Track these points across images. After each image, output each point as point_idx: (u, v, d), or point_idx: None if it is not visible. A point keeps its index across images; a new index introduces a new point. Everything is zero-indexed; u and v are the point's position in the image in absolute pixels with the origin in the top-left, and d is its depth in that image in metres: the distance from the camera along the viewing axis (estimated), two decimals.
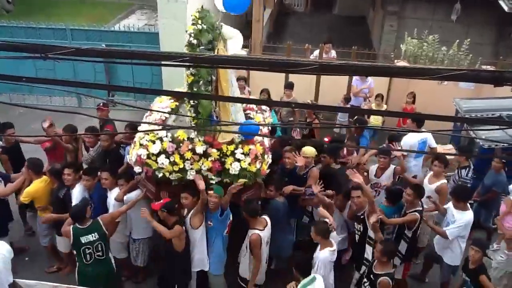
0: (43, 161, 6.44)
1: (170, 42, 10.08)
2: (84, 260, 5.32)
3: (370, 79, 9.35)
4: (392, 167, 6.49)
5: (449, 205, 5.86)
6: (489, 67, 9.51)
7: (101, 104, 7.34)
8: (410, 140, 7.05)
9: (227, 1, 5.25)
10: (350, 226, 6.03)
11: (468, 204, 5.77)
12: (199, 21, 5.01)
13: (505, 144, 6.96)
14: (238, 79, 8.60)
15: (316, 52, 10.14)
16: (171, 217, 5.28)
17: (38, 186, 6.04)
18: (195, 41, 4.96)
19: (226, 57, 2.01)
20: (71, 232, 5.23)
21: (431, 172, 6.45)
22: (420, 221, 5.61)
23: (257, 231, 5.25)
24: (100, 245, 5.33)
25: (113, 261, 5.59)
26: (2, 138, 6.74)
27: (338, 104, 9.04)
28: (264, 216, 5.44)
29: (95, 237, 5.27)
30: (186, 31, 5.07)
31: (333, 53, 10.19)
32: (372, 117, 8.75)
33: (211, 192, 5.25)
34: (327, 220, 5.19)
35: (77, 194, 5.81)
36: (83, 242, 5.24)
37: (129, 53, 1.92)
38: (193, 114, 5.22)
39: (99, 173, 5.96)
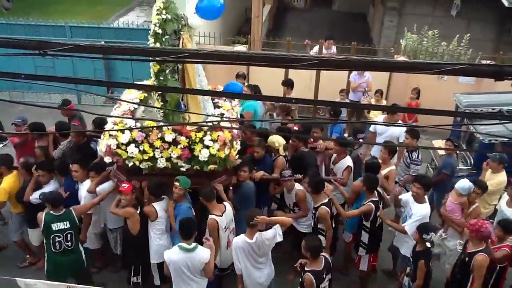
0: (13, 157, 6.49)
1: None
2: (53, 248, 5.38)
3: (367, 73, 9.36)
4: (347, 157, 6.49)
5: (407, 197, 5.92)
6: (489, 62, 9.49)
7: (63, 103, 7.51)
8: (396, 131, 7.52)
9: (200, 7, 5.29)
10: None
11: (425, 197, 5.85)
12: (164, 11, 5.07)
13: (505, 139, 6.98)
14: (237, 77, 8.62)
15: (316, 48, 10.13)
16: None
17: (10, 181, 6.10)
18: (160, 31, 5.04)
19: (225, 53, 2.00)
20: (43, 218, 5.31)
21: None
22: (376, 210, 5.71)
23: (214, 216, 5.32)
24: (70, 234, 5.41)
25: (83, 252, 5.68)
26: None
27: (338, 99, 9.05)
28: (224, 203, 5.53)
29: (66, 225, 5.35)
30: (151, 21, 5.15)
31: (333, 49, 10.18)
32: (371, 112, 8.74)
33: (176, 183, 5.35)
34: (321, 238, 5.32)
35: (51, 189, 5.89)
36: (53, 229, 5.31)
37: (128, 49, 1.92)
38: (161, 104, 5.34)
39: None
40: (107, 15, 17.35)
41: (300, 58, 1.85)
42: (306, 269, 4.86)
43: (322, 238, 5.57)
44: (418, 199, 5.71)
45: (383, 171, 6.30)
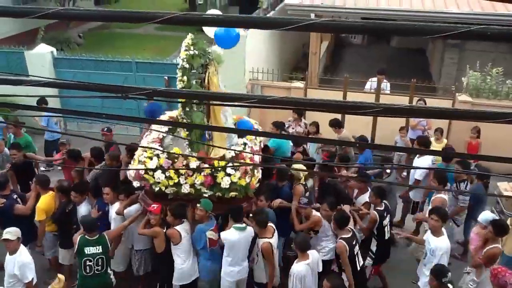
0: (49, 178, 6.88)
1: (229, 74, 10.37)
2: (84, 272, 5.65)
3: None
4: (367, 193, 6.59)
5: (427, 235, 5.84)
6: None
7: (105, 129, 8.22)
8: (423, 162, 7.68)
9: (217, 36, 5.65)
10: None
11: (443, 229, 5.76)
12: (191, 47, 5.48)
13: None
14: (295, 114, 8.79)
15: (369, 84, 10.14)
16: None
17: (46, 201, 6.46)
18: (187, 65, 5.46)
19: (288, 99, 2.07)
20: (78, 241, 5.62)
21: None
22: (381, 219, 6.11)
23: (267, 239, 5.66)
24: (101, 259, 5.68)
25: (112, 276, 5.92)
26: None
27: (396, 138, 8.90)
28: (271, 224, 5.80)
29: (98, 250, 5.64)
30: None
31: (387, 86, 10.11)
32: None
33: (198, 205, 5.69)
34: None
35: (83, 210, 6.33)
36: (86, 253, 5.60)
37: (207, 96, 2.02)
38: (186, 133, 5.79)
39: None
40: (170, 51, 18.15)
41: (366, 105, 1.88)
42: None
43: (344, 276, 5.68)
44: (435, 233, 5.65)
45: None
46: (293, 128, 8.93)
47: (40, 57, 11.28)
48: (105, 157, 7.21)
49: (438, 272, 5.04)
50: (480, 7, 10.44)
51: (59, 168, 8.47)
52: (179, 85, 5.64)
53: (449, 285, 5.01)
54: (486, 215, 5.97)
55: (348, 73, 11.09)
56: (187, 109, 5.60)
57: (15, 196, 6.63)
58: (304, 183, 6.62)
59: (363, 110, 1.87)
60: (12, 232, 5.47)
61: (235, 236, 5.64)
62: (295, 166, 6.72)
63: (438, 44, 15.60)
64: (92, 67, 11.14)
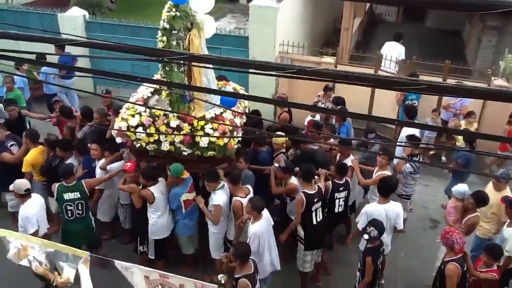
0: (39, 132, 7.20)
1: (259, 46, 10.29)
2: (66, 216, 6.06)
3: None
4: (349, 158, 6.86)
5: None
6: None
7: (104, 91, 8.64)
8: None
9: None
10: None
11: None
12: (173, 9, 5.50)
13: None
14: (326, 89, 8.66)
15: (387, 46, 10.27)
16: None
17: (34, 154, 6.85)
18: (167, 26, 5.52)
19: (327, 71, 2.01)
20: (56, 188, 6.01)
21: None
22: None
23: (238, 198, 5.80)
24: (81, 204, 6.06)
25: (93, 220, 6.35)
26: (7, 112, 7.92)
27: (429, 120, 8.74)
28: (247, 186, 5.99)
29: (76, 195, 6.01)
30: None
31: (402, 50, 10.52)
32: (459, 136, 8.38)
33: (168, 172, 5.98)
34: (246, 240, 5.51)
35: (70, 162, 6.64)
36: (65, 198, 5.99)
37: (245, 63, 1.98)
38: (167, 93, 5.86)
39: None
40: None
41: (409, 82, 1.81)
42: (236, 275, 4.96)
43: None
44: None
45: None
46: (322, 103, 8.83)
47: (72, 20, 11.34)
48: (94, 115, 7.52)
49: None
50: None
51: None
52: (159, 45, 5.69)
53: (365, 235, 5.40)
54: (459, 188, 6.12)
55: (380, 50, 10.83)
56: (167, 68, 5.65)
57: (9, 144, 7.15)
58: (284, 151, 6.94)
59: (407, 86, 1.81)
60: (15, 185, 5.84)
61: (223, 196, 5.93)
62: (278, 135, 6.91)
63: (476, 26, 15.08)
64: (123, 32, 11.15)
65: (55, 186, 6.07)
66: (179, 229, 6.33)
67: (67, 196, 6.00)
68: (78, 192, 6.03)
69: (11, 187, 5.92)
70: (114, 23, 11.39)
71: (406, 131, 7.56)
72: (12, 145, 7.19)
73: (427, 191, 8.57)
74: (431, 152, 9.13)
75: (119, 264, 4.37)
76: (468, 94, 1.81)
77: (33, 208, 5.82)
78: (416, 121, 8.17)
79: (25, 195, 5.82)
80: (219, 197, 5.91)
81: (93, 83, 11.71)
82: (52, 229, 6.94)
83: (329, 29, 16.49)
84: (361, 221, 5.90)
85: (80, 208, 6.07)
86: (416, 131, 7.39)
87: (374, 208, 5.83)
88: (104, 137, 7.11)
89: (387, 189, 5.92)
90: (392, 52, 10.13)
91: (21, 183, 5.87)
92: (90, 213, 6.32)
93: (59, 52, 8.65)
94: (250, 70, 2.20)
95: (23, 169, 6.81)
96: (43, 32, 9.67)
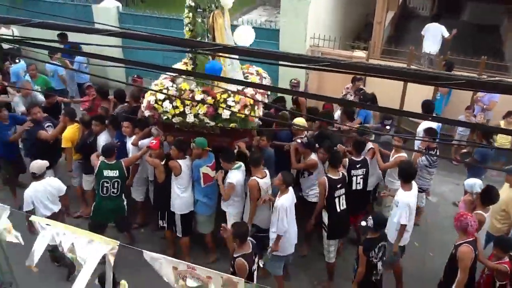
0: (76, 111, 7.68)
1: (290, 39, 10.23)
2: (101, 192, 6.31)
3: None
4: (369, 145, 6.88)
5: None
6: None
7: (136, 76, 8.90)
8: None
9: None
10: None
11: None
12: None
13: None
14: (355, 80, 8.55)
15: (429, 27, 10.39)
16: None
17: (71, 131, 7.29)
18: (193, 4, 5.91)
19: (360, 64, 1.98)
20: (98, 164, 6.30)
21: None
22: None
23: (255, 177, 5.97)
24: (117, 183, 6.33)
25: (125, 201, 6.56)
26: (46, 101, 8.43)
27: (461, 117, 8.51)
28: (265, 169, 6.14)
29: (115, 174, 6.30)
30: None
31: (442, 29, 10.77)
32: (499, 135, 8.10)
33: (193, 144, 6.25)
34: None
35: (102, 139, 7.03)
36: (104, 175, 6.27)
37: (272, 54, 1.97)
38: (192, 66, 6.26)
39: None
40: (233, 13, 18.00)
41: (447, 76, 1.77)
42: (235, 255, 5.01)
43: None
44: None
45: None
46: (351, 95, 8.73)
47: (106, 11, 11.53)
48: (127, 98, 8.00)
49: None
50: None
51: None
52: (185, 21, 6.09)
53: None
54: (469, 181, 6.01)
55: (413, 45, 10.59)
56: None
57: (46, 125, 7.53)
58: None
59: (446, 81, 1.76)
60: (35, 165, 6.10)
61: (239, 176, 6.17)
62: (298, 119, 7.17)
63: None
64: (155, 24, 11.28)
65: (97, 162, 6.35)
66: (198, 208, 6.51)
67: (106, 173, 6.27)
68: (117, 171, 6.31)
69: (30, 167, 6.17)
70: (146, 15, 11.53)
71: (424, 125, 7.44)
72: (48, 126, 7.59)
73: (459, 190, 8.37)
74: (464, 150, 8.91)
75: (148, 255, 4.41)
76: (509, 91, 1.75)
77: (32, 190, 6.06)
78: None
79: (37, 176, 6.08)
80: (234, 176, 6.15)
81: (125, 74, 11.88)
82: (86, 211, 7.32)
83: (361, 23, 16.23)
84: (400, 215, 5.76)
85: (115, 187, 6.32)
86: (433, 125, 7.24)
87: (405, 196, 5.78)
88: (136, 116, 7.43)
89: (408, 174, 5.89)
90: (435, 31, 10.23)
91: (41, 164, 6.16)
92: (124, 196, 6.55)
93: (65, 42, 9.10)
94: (284, 63, 2.19)
95: (63, 145, 7.25)
96: (78, 22, 9.85)
